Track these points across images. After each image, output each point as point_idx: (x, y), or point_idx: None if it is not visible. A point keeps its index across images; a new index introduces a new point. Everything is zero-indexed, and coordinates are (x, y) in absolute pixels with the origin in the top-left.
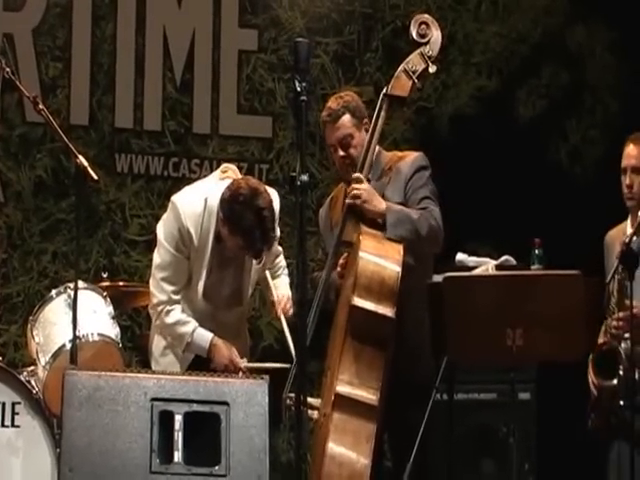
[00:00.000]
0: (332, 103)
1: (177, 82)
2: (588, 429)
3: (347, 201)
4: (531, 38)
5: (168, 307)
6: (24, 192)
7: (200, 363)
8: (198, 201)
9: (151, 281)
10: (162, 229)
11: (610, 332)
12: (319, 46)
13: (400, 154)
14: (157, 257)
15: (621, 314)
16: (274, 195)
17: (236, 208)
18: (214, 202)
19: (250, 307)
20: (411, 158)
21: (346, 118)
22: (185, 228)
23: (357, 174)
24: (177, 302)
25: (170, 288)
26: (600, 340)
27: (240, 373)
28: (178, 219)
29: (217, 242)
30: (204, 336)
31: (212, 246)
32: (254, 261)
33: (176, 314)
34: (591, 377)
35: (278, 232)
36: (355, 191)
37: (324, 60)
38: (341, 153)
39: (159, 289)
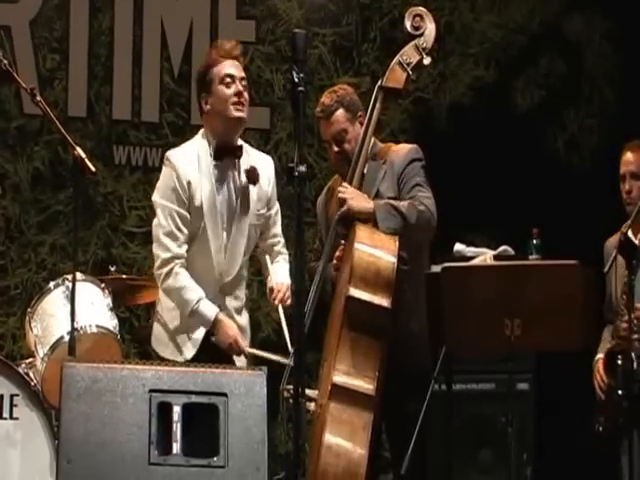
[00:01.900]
0: (325, 98)
1: (175, 73)
2: (596, 433)
3: (338, 213)
4: (528, 28)
5: (176, 268)
6: (22, 184)
7: (202, 358)
8: (190, 147)
9: (153, 245)
10: (158, 192)
11: (620, 335)
12: (317, 37)
13: (394, 147)
14: (156, 220)
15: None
16: (269, 161)
17: (209, 56)
18: (204, 139)
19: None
20: (404, 151)
21: (339, 113)
22: (181, 174)
23: (344, 184)
24: (182, 257)
25: (173, 243)
26: (608, 344)
27: (242, 356)
28: (174, 167)
29: (218, 161)
30: (210, 308)
31: (212, 171)
32: (252, 204)
33: (183, 278)
34: (598, 380)
35: (277, 205)
36: (340, 194)
37: (322, 51)
38: (335, 149)
39: (162, 247)
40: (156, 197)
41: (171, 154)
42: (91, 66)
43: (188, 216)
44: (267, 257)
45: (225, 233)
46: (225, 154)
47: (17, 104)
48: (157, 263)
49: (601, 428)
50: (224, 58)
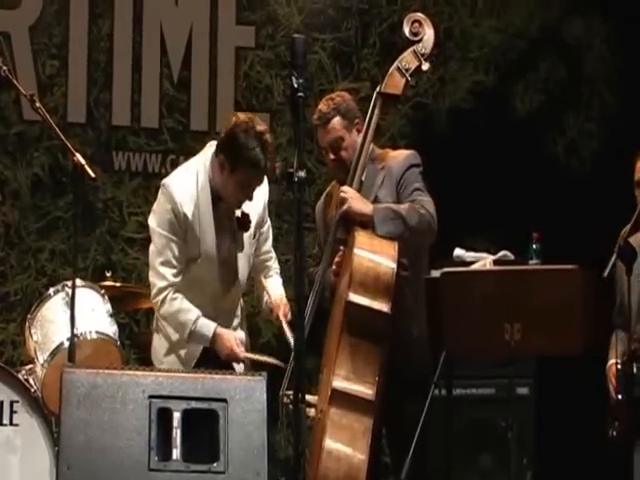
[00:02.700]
0: (322, 106)
1: (174, 79)
2: (610, 438)
3: (339, 212)
4: (528, 32)
5: (171, 294)
6: (21, 190)
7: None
8: (189, 178)
9: (150, 272)
10: (154, 217)
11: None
12: (316, 42)
13: (392, 152)
14: (152, 246)
15: None
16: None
17: (238, 137)
18: (205, 175)
19: (245, 287)
20: (402, 157)
21: (336, 121)
22: (179, 208)
23: (345, 187)
24: (178, 285)
25: (170, 271)
26: (616, 350)
27: (241, 363)
28: (171, 200)
29: (213, 206)
30: (208, 325)
31: (210, 207)
32: (245, 239)
33: (179, 302)
34: (613, 383)
35: (269, 221)
36: (342, 194)
37: (321, 56)
38: (331, 156)
39: (159, 276)
40: (152, 224)
41: (168, 184)
42: (90, 72)
43: (183, 245)
44: (261, 275)
45: (223, 267)
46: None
47: (17, 110)
48: (153, 291)
49: (615, 433)
50: (259, 174)
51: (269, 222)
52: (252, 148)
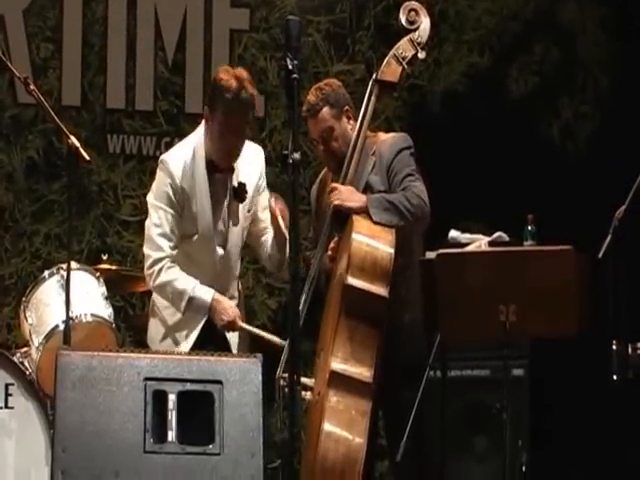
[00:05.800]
0: (311, 96)
1: (169, 62)
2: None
3: (332, 204)
4: (522, 15)
5: (168, 264)
6: (16, 173)
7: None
8: (186, 152)
9: (145, 245)
10: (152, 193)
11: None
12: (311, 24)
13: (382, 137)
14: (149, 220)
15: None
16: (259, 151)
17: (217, 76)
18: (201, 147)
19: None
20: (391, 142)
21: (325, 111)
22: (176, 182)
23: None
24: (174, 257)
25: (167, 243)
26: None
27: (237, 339)
28: (169, 174)
29: (209, 177)
30: (206, 292)
31: (205, 180)
32: (240, 207)
33: (176, 271)
34: None
35: (267, 191)
36: (335, 202)
37: (316, 38)
38: (322, 147)
39: (155, 247)
40: (151, 198)
41: (166, 159)
42: (85, 55)
43: (179, 220)
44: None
45: (218, 243)
46: (218, 169)
47: (11, 93)
48: (148, 263)
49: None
50: (236, 105)
51: (267, 192)
52: (227, 79)
